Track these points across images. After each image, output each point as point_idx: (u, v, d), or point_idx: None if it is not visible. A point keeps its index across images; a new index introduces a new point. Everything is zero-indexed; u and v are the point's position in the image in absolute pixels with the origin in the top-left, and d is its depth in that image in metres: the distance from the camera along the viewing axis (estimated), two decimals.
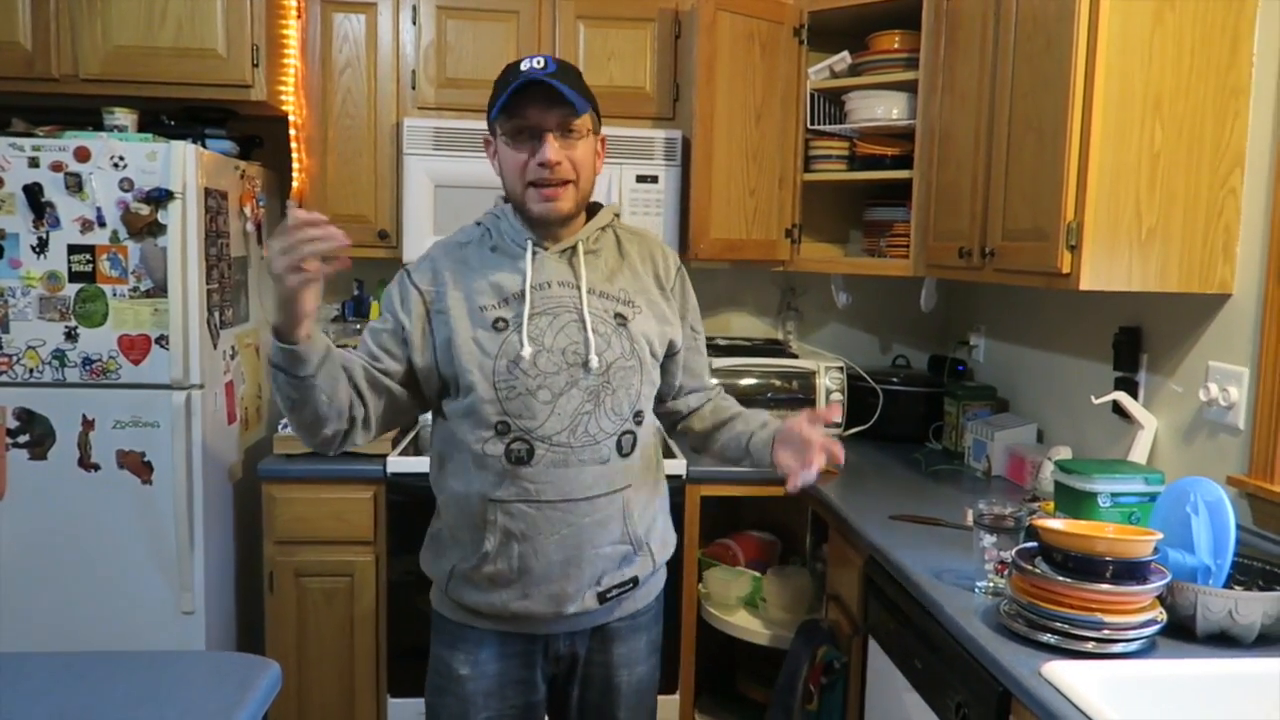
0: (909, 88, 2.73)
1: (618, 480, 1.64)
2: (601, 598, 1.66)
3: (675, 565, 2.65)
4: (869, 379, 3.07)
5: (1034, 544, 1.57)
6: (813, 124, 2.94)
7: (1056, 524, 1.54)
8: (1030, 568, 1.50)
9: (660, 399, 1.82)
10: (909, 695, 1.85)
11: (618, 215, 1.79)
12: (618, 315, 1.66)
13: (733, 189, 2.88)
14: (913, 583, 1.81)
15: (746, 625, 2.70)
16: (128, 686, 1.27)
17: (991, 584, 1.70)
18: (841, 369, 3.03)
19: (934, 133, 2.58)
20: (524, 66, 1.57)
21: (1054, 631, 1.45)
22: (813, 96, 2.93)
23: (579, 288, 1.64)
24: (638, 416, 1.67)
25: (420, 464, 2.61)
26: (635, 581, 1.71)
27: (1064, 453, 2.35)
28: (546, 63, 1.57)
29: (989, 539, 1.71)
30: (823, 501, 2.43)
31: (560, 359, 1.59)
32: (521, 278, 1.62)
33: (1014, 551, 1.59)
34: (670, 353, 1.76)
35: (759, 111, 2.88)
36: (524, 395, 1.58)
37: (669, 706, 2.71)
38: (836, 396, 2.99)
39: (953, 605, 1.66)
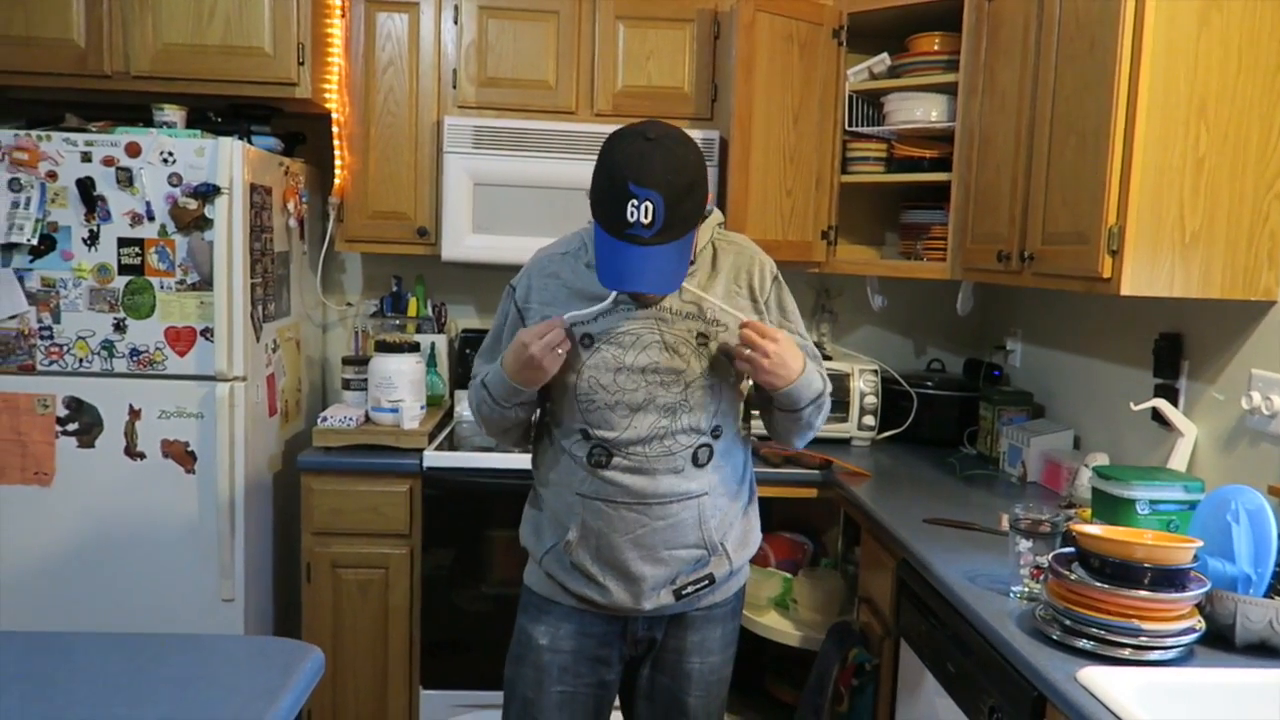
0: (948, 90, 2.72)
1: (693, 488, 1.70)
2: (678, 595, 1.73)
3: None
4: (903, 382, 3.06)
5: (1071, 549, 1.57)
6: (851, 125, 2.93)
7: (1095, 529, 1.53)
8: (1067, 573, 1.50)
9: (761, 404, 1.83)
10: (940, 698, 1.84)
11: (720, 223, 1.81)
12: (700, 335, 1.69)
13: (769, 190, 2.88)
14: (947, 586, 1.81)
15: (777, 626, 2.70)
16: (174, 667, 1.30)
17: (1026, 589, 1.69)
18: (876, 372, 3.03)
19: (973, 135, 2.57)
20: (630, 215, 1.49)
21: (1090, 637, 1.45)
22: (851, 98, 2.92)
23: (665, 308, 1.68)
24: (715, 431, 1.72)
25: (455, 459, 2.64)
26: (712, 579, 1.76)
27: (1101, 459, 2.33)
28: (654, 218, 1.49)
29: (1025, 544, 1.70)
30: (855, 504, 2.43)
31: (640, 377, 1.66)
32: (610, 296, 1.64)
33: (1050, 556, 1.59)
34: None
35: (797, 112, 2.88)
36: (603, 410, 1.67)
37: None
38: (871, 400, 2.99)
39: (987, 609, 1.66)
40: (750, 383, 1.81)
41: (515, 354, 1.62)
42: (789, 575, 2.81)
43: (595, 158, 1.58)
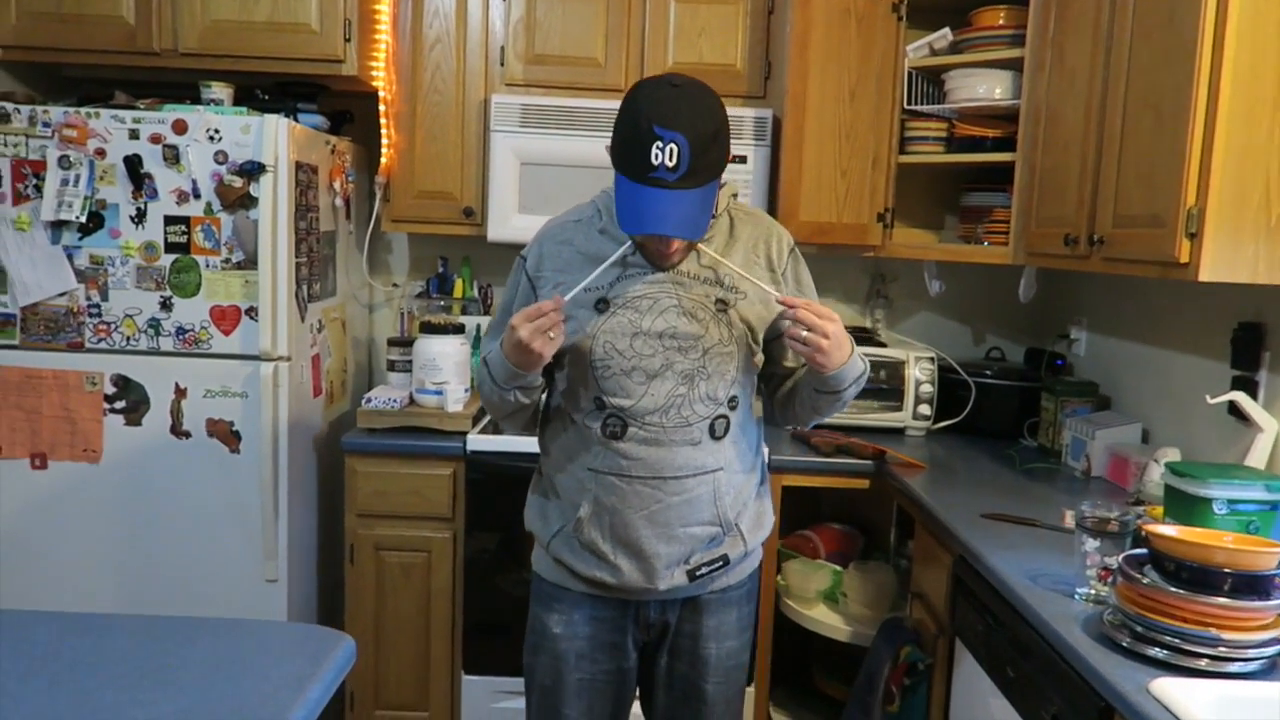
0: (1013, 66, 2.60)
1: (709, 462, 1.65)
2: (691, 575, 1.68)
3: None
4: (961, 371, 2.95)
5: (1143, 551, 1.47)
6: (910, 104, 2.82)
7: (1170, 530, 1.44)
8: (1139, 576, 1.40)
9: (768, 379, 1.81)
10: (998, 702, 1.76)
11: (735, 195, 1.76)
12: (719, 301, 1.64)
13: (824, 170, 2.79)
14: (1006, 585, 1.72)
15: (825, 620, 2.63)
16: (205, 652, 1.27)
17: (1093, 591, 1.60)
18: (932, 360, 2.92)
19: (1039, 113, 2.45)
20: (654, 158, 1.45)
21: (1164, 646, 1.36)
22: (910, 75, 2.81)
23: (683, 272, 1.64)
24: (732, 401, 1.67)
25: (500, 443, 2.60)
26: (726, 560, 1.71)
27: (1172, 454, 2.21)
28: (678, 159, 1.45)
29: (1091, 543, 1.61)
30: (910, 496, 2.35)
31: (657, 343, 1.61)
32: (616, 253, 1.61)
33: (1120, 558, 1.50)
34: (776, 334, 1.70)
35: (853, 90, 2.78)
36: (618, 376, 1.61)
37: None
38: (926, 389, 2.89)
39: (1050, 611, 1.57)
40: (793, 363, 1.75)
41: (508, 336, 1.56)
42: (839, 568, 2.74)
43: None
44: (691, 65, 2.84)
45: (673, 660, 1.77)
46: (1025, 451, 2.75)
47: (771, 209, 2.83)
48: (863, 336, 3.06)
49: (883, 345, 2.97)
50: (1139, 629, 1.39)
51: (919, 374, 2.89)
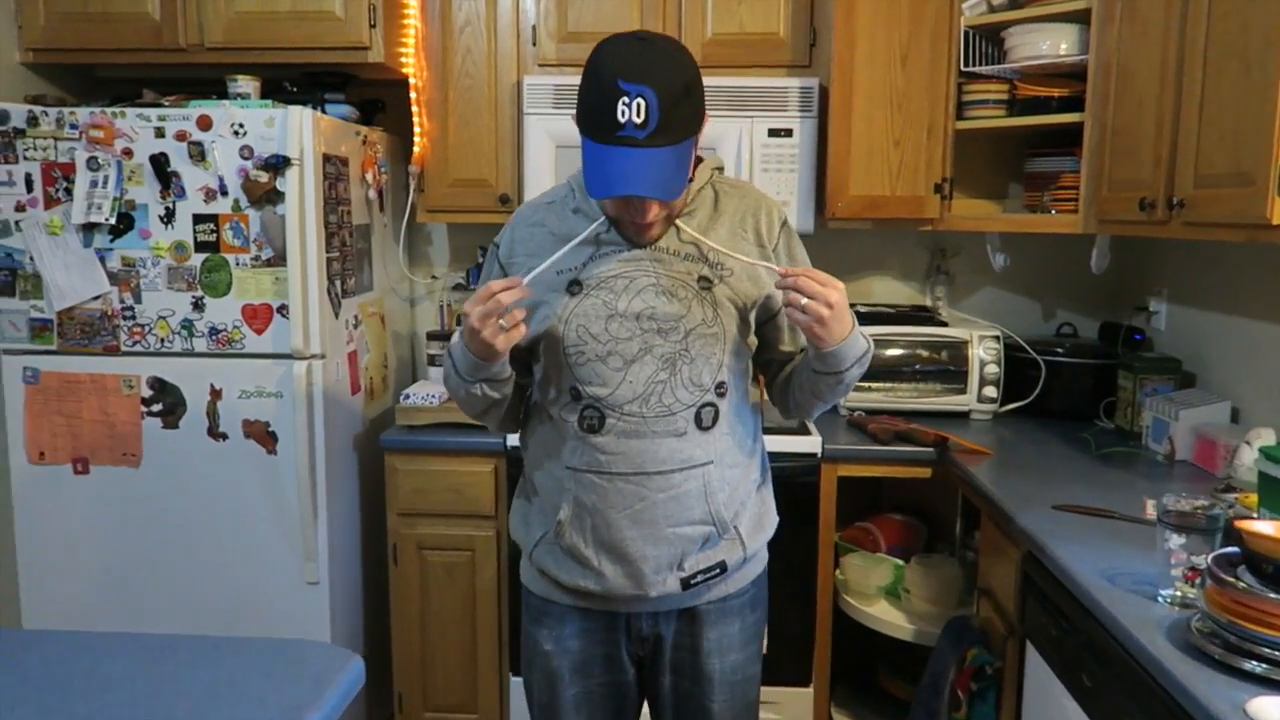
0: (1080, 18, 2.40)
1: (697, 455, 1.51)
2: (685, 583, 1.54)
3: (809, 550, 2.48)
4: (1029, 349, 2.77)
5: (1235, 549, 1.31)
6: (967, 65, 2.63)
7: (1266, 528, 1.27)
8: (1231, 580, 1.25)
9: (765, 366, 1.67)
10: (1074, 711, 1.61)
11: (719, 169, 1.62)
12: (701, 279, 1.51)
13: (874, 141, 2.63)
14: (1080, 586, 1.57)
15: (887, 617, 2.49)
16: (202, 675, 1.20)
17: (1179, 593, 1.44)
18: (998, 338, 2.74)
19: (1110, 68, 2.26)
20: (620, 115, 1.32)
21: (1261, 659, 1.20)
22: (967, 35, 2.62)
23: (661, 248, 1.51)
24: (720, 388, 1.52)
25: None
26: (723, 567, 1.57)
27: (1266, 437, 2.01)
28: (647, 114, 1.32)
29: (1176, 539, 1.45)
30: (974, 485, 2.19)
31: (634, 325, 1.48)
32: (583, 233, 1.49)
33: (1209, 557, 1.33)
34: (769, 315, 1.58)
35: (905, 54, 2.61)
36: (593, 362, 1.49)
37: (801, 700, 2.53)
38: (992, 369, 2.71)
39: (1129, 616, 1.42)
40: (790, 346, 1.61)
41: (464, 321, 1.44)
42: (901, 562, 2.59)
43: None
44: (732, 35, 2.70)
45: (676, 678, 1.64)
46: (1101, 435, 2.56)
47: (820, 184, 2.69)
48: (922, 315, 2.89)
49: (944, 324, 2.79)
50: (1232, 639, 1.23)
51: (983, 354, 2.72)
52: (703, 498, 1.51)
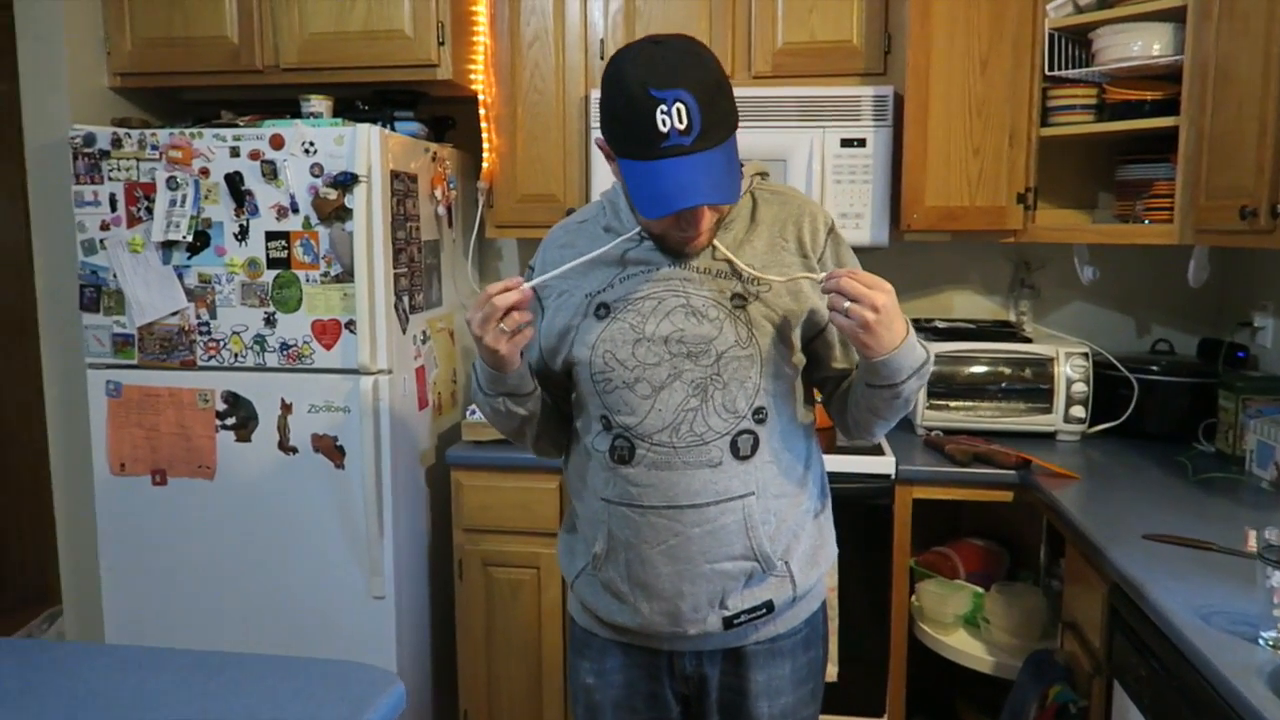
0: (1174, 17, 2.27)
1: (734, 487, 1.42)
2: (728, 623, 1.45)
3: (882, 575, 2.38)
4: (1121, 367, 2.62)
5: None
6: (1051, 69, 2.52)
7: None
8: None
9: (821, 385, 1.57)
10: None
11: (762, 174, 1.54)
12: (735, 297, 1.42)
13: (953, 149, 2.53)
14: (1171, 625, 1.45)
15: (965, 648, 2.37)
16: (240, 695, 1.19)
17: None
18: (1086, 355, 2.60)
19: (1207, 69, 2.13)
20: (661, 125, 1.24)
21: None
22: (1051, 37, 2.51)
23: (693, 267, 1.44)
24: (759, 414, 1.43)
25: None
26: (770, 606, 1.47)
27: None
28: (689, 118, 1.25)
29: (1279, 576, 1.33)
30: (1058, 511, 2.07)
31: (662, 349, 1.41)
32: (607, 244, 1.43)
33: None
34: (816, 330, 1.48)
35: (984, 58, 2.50)
36: (621, 389, 1.42)
37: None
38: (1080, 388, 2.57)
39: (1226, 660, 1.30)
40: (843, 363, 1.51)
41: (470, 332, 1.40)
42: (980, 590, 2.47)
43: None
44: (803, 44, 2.63)
45: None
46: (1200, 459, 2.40)
47: (895, 194, 2.60)
48: (1005, 331, 2.76)
49: (1028, 340, 2.66)
50: None
51: (1070, 371, 2.58)
52: (743, 532, 1.43)
